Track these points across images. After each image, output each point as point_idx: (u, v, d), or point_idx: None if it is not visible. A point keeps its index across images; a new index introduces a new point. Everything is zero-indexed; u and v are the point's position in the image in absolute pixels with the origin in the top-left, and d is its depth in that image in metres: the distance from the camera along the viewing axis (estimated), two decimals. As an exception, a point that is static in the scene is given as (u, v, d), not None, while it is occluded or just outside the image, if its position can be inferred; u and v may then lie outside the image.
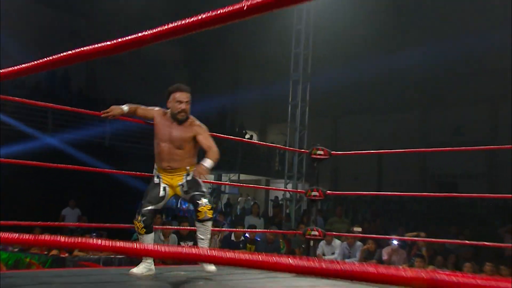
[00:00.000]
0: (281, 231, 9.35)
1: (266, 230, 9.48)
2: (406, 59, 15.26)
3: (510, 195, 6.08)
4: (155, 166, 3.69)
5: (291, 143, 12.70)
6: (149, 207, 3.53)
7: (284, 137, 14.88)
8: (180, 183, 3.59)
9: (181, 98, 3.62)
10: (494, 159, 16.53)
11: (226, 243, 8.08)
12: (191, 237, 7.07)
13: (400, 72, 16.15)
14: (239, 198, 18.08)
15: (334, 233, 7.63)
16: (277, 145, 8.01)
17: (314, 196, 4.94)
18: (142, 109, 3.75)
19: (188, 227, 6.76)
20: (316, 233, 4.86)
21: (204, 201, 3.54)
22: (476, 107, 17.00)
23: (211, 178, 16.06)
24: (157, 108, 3.75)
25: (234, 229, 8.95)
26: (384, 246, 8.04)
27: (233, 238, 8.17)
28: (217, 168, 15.50)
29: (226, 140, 8.16)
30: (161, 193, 3.59)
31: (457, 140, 15.19)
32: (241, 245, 8.13)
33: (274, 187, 17.95)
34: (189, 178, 3.59)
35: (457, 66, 15.75)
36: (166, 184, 3.60)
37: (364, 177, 18.45)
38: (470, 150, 6.09)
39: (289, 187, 12.91)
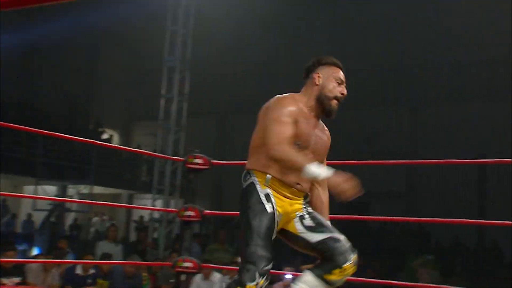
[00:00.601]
0: (145, 262, 9.24)
1: (124, 261, 9.34)
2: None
3: (429, 219, 6.45)
4: (261, 173, 2.99)
5: (163, 148, 12.59)
6: (269, 266, 2.87)
7: (154, 139, 14.74)
8: (299, 213, 3.03)
9: (342, 78, 3.08)
10: (413, 175, 17.51)
11: (70, 278, 7.85)
12: (19, 271, 6.81)
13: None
14: (94, 219, 17.63)
15: (213, 265, 7.66)
16: (145, 151, 7.93)
17: (189, 216, 4.93)
18: (296, 123, 2.97)
19: (15, 259, 6.49)
20: (190, 264, 4.85)
21: (354, 256, 2.96)
22: (394, 111, 17.88)
23: (52, 189, 15.53)
24: (288, 101, 3.01)
25: (80, 261, 8.73)
26: (275, 281, 8.17)
27: (79, 271, 7.96)
28: (61, 177, 15.03)
29: (75, 141, 7.97)
30: (276, 228, 2.94)
31: (371, 150, 15.92)
32: (89, 281, 7.95)
33: (138, 206, 17.75)
34: (310, 209, 3.09)
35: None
36: (280, 212, 2.96)
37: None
38: (384, 164, 6.37)
39: (159, 204, 12.80)
